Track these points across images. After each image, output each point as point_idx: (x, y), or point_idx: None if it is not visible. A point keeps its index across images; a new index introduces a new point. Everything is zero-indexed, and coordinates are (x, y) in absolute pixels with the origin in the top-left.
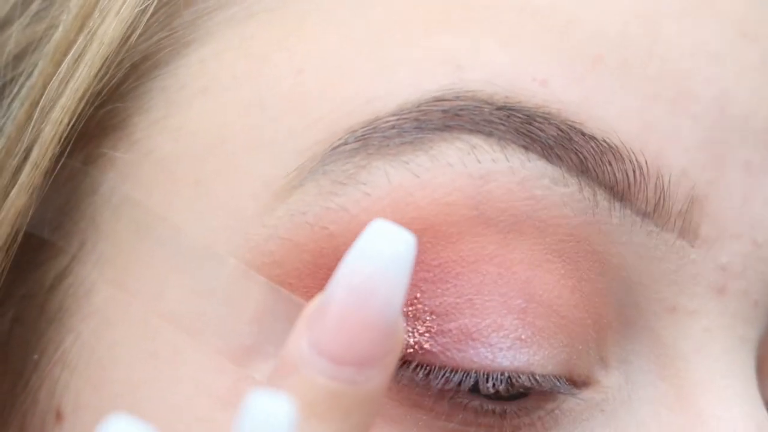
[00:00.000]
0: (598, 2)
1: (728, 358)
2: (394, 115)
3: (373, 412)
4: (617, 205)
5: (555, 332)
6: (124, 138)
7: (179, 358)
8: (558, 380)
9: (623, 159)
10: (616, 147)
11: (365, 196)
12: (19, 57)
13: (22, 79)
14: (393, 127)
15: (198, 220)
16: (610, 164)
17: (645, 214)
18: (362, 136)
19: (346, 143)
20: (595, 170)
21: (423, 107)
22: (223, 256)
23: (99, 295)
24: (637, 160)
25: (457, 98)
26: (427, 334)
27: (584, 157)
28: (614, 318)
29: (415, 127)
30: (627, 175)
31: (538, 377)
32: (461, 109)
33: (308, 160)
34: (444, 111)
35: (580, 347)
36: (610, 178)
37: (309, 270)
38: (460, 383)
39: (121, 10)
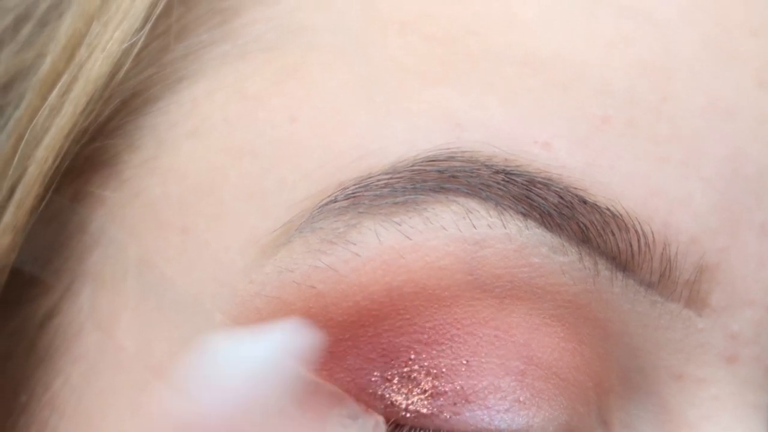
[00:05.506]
0: (606, 55)
1: (738, 426)
2: (387, 173)
3: None
4: (620, 275)
5: (555, 394)
6: (114, 176)
7: None
8: None
9: (627, 229)
10: (620, 216)
11: (354, 257)
12: (7, 86)
13: (9, 110)
14: (386, 185)
15: (185, 270)
16: (613, 234)
17: (649, 285)
18: (353, 193)
19: (335, 200)
20: (596, 240)
21: (417, 167)
22: (210, 310)
23: (88, 338)
24: (642, 229)
25: (454, 158)
26: (421, 397)
27: (585, 227)
28: (617, 382)
29: (410, 187)
30: (631, 245)
31: None
32: (458, 171)
33: (297, 215)
34: (440, 171)
35: (582, 409)
36: (612, 248)
37: None
38: None
39: (108, 47)
